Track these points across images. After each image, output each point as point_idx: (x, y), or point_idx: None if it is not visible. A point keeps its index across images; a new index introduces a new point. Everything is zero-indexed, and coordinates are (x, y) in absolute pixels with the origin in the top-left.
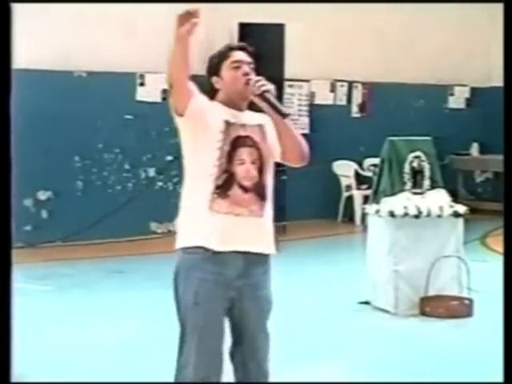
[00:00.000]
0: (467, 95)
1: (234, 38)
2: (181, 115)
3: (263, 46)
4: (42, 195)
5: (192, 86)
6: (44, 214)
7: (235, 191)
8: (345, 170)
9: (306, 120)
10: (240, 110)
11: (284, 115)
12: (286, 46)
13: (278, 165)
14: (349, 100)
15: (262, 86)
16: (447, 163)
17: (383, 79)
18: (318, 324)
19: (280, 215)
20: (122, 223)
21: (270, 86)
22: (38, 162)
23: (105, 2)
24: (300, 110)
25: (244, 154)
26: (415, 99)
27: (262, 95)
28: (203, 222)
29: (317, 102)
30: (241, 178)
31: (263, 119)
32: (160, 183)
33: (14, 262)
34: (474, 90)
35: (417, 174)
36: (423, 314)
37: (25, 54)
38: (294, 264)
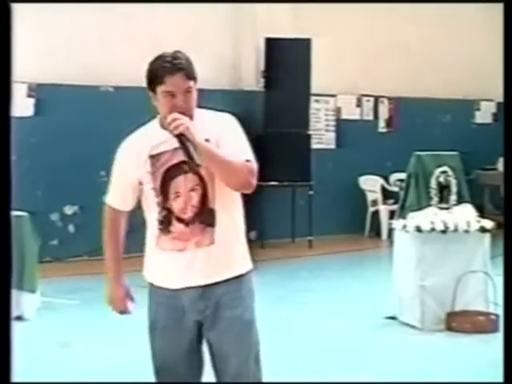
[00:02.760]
0: (494, 110)
1: (260, 52)
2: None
3: (290, 60)
4: (69, 210)
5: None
6: (71, 228)
7: (175, 226)
8: (371, 184)
9: (332, 135)
10: None
11: (195, 165)
12: (313, 60)
13: (303, 179)
14: (375, 115)
15: (176, 128)
16: (474, 178)
17: (409, 94)
18: (344, 338)
19: (306, 230)
20: None
21: (184, 127)
22: (65, 176)
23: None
24: (327, 125)
25: (178, 185)
26: (442, 114)
27: (176, 137)
28: (151, 259)
29: (343, 116)
30: (178, 213)
31: (215, 128)
32: None
33: (41, 277)
34: (500, 105)
35: (443, 188)
36: (449, 329)
37: (52, 69)
38: (321, 278)
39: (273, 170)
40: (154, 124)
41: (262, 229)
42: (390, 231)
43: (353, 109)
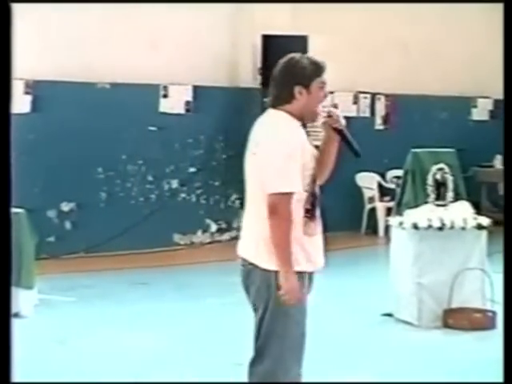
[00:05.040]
0: (491, 107)
1: (257, 50)
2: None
3: None
4: (66, 206)
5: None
6: (67, 225)
7: (316, 211)
8: (368, 181)
9: None
10: (305, 123)
11: (358, 154)
12: None
13: None
14: (372, 112)
15: (342, 122)
16: (471, 175)
17: (406, 91)
18: (341, 335)
19: None
20: (145, 235)
21: (345, 122)
22: (62, 173)
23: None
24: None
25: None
26: (439, 111)
27: (339, 130)
28: (303, 246)
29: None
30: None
31: None
32: (183, 195)
33: (38, 273)
34: (497, 102)
35: (440, 186)
36: (446, 326)
37: (49, 66)
38: (318, 275)
39: None
40: (290, 118)
41: None
42: (387, 228)
43: (349, 106)
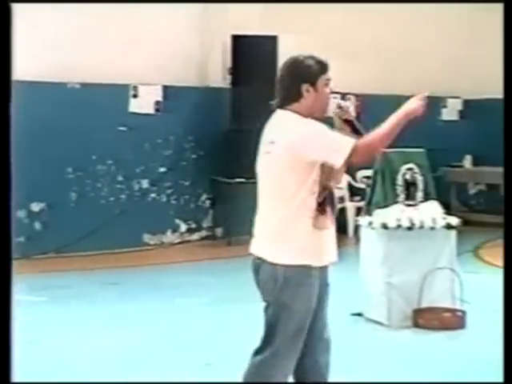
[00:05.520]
0: (460, 107)
1: (227, 50)
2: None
3: (257, 57)
4: (36, 206)
5: None
6: (37, 225)
7: (328, 205)
8: None
9: None
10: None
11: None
12: (279, 57)
13: None
14: None
15: (352, 113)
16: (440, 175)
17: (376, 91)
18: None
19: None
20: (116, 235)
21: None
22: (32, 173)
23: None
24: None
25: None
26: None
27: (350, 121)
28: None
29: None
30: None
31: None
32: (153, 195)
33: None
34: (467, 102)
35: (410, 186)
36: (416, 325)
37: (19, 66)
38: None
39: (239, 167)
40: (296, 115)
41: (229, 226)
42: (357, 228)
43: None
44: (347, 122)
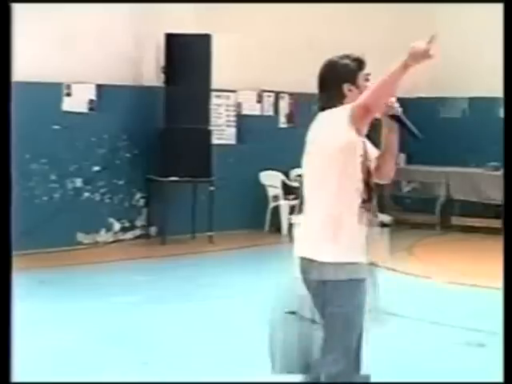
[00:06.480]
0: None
1: (161, 48)
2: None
3: (190, 56)
4: None
5: None
6: None
7: (367, 202)
8: (272, 180)
9: (233, 131)
10: None
11: (417, 138)
12: (214, 56)
13: (204, 175)
14: (276, 110)
15: (398, 109)
16: None
17: (309, 90)
18: (246, 333)
19: (207, 226)
20: (49, 234)
21: (401, 110)
22: None
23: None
24: (227, 121)
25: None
26: None
27: (397, 117)
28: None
29: (244, 112)
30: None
31: None
32: (87, 194)
33: None
34: (401, 101)
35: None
36: None
37: None
38: (223, 274)
39: (174, 166)
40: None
41: (163, 225)
42: (291, 226)
43: (253, 104)
44: (395, 118)
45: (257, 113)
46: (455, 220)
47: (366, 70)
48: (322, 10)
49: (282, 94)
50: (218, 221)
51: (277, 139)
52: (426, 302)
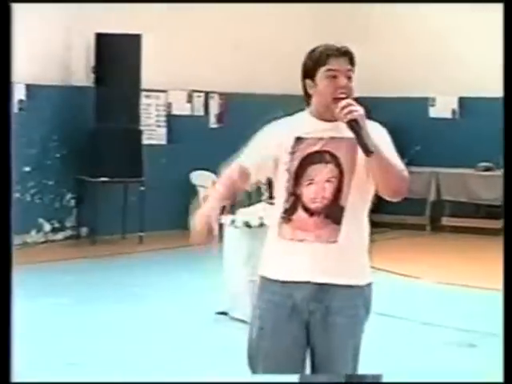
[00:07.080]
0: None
1: (91, 48)
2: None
3: (120, 56)
4: None
5: (241, 171)
6: None
7: (299, 215)
8: (203, 180)
9: (163, 131)
10: (331, 120)
11: (368, 152)
12: (143, 56)
13: (135, 175)
14: (206, 110)
15: (349, 113)
16: None
17: (240, 90)
18: (177, 334)
19: (138, 226)
20: None
21: (359, 114)
22: None
23: None
24: (158, 121)
25: (315, 172)
26: (274, 110)
27: (348, 123)
28: (271, 249)
29: (174, 112)
30: (306, 201)
31: (371, 133)
32: (17, 194)
33: None
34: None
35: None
36: None
37: None
38: (151, 275)
39: (104, 166)
40: (304, 114)
41: (93, 225)
42: (221, 227)
43: (183, 104)
44: (347, 124)
45: (187, 113)
46: (445, 220)
47: (329, 65)
48: (251, 10)
49: (212, 94)
50: (148, 221)
51: (207, 139)
52: (417, 303)
